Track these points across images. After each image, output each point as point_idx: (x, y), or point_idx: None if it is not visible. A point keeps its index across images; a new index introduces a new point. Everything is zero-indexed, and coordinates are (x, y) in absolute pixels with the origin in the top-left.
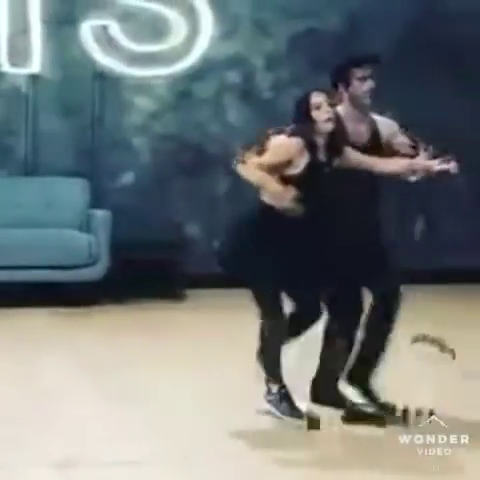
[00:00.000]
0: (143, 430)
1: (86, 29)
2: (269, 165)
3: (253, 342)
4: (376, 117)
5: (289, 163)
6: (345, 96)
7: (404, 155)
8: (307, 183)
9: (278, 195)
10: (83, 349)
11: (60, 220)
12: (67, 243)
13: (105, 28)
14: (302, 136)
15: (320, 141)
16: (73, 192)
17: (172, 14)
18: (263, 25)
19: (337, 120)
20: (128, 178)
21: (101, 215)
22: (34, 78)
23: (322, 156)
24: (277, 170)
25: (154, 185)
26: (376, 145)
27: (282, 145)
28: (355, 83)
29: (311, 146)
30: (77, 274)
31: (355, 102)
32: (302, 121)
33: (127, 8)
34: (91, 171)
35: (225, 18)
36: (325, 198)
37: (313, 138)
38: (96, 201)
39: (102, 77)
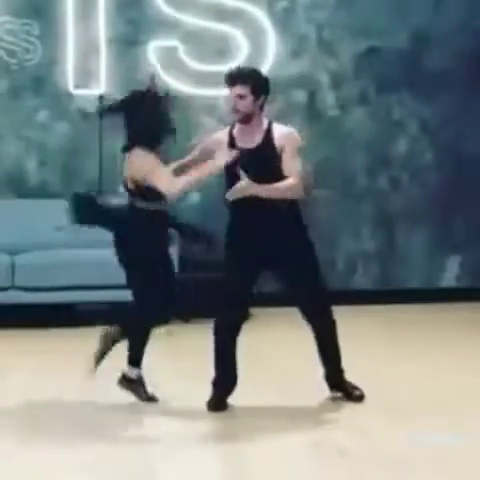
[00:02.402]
0: None
1: (152, 50)
2: None
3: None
4: (277, 128)
5: None
6: None
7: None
8: None
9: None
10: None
11: None
12: None
13: (171, 49)
14: None
15: None
16: None
17: (237, 34)
18: (328, 44)
19: None
20: (194, 198)
21: None
22: (101, 99)
23: None
24: None
25: (220, 205)
26: (263, 153)
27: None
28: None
29: None
30: None
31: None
32: None
33: (192, 29)
34: None
35: (289, 37)
36: None
37: None
38: None
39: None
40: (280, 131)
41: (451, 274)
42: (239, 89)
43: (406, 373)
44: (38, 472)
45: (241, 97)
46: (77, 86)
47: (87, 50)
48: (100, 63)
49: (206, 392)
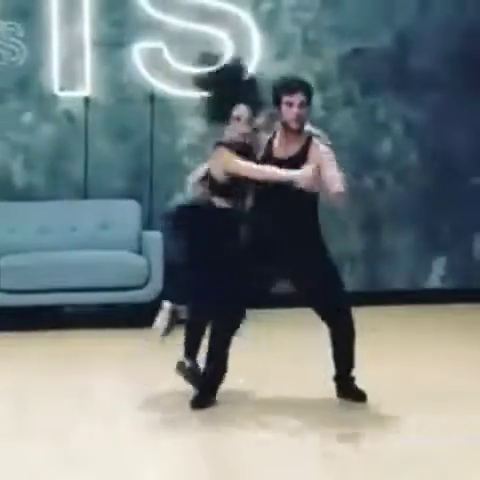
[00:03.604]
0: None
1: (137, 52)
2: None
3: None
4: (316, 141)
5: None
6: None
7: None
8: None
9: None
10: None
11: (114, 242)
12: (122, 265)
13: (156, 50)
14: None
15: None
16: (127, 214)
17: (222, 35)
18: (313, 45)
19: (251, 139)
20: (180, 199)
21: (154, 236)
22: (87, 101)
23: None
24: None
25: None
26: (296, 164)
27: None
28: (283, 107)
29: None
30: (130, 296)
31: (285, 125)
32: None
33: (177, 30)
34: (144, 193)
35: (274, 38)
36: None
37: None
38: (148, 222)
39: (154, 99)
40: (317, 149)
41: (436, 275)
42: (302, 97)
43: (391, 375)
44: (31, 469)
45: (302, 105)
46: (62, 88)
47: (72, 52)
48: (85, 65)
49: None
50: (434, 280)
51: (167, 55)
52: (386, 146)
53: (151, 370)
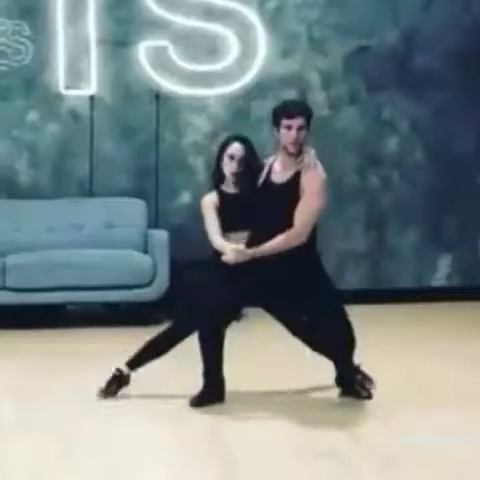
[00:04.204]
0: None
1: (143, 50)
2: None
3: None
4: (309, 167)
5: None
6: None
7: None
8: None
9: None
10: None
11: (120, 240)
12: (128, 263)
13: (161, 49)
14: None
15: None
16: (132, 212)
17: (227, 33)
18: (318, 43)
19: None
20: (186, 198)
21: (160, 235)
22: (92, 100)
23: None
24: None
25: None
26: (287, 190)
27: (204, 205)
28: (282, 131)
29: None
30: (136, 294)
31: (285, 148)
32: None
33: (183, 29)
34: (150, 191)
35: (280, 36)
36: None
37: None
38: (155, 221)
39: (159, 98)
40: (308, 173)
41: (442, 273)
42: (301, 121)
43: (396, 372)
44: (33, 467)
45: (300, 128)
46: (68, 87)
47: (78, 51)
48: (91, 64)
49: None
50: (439, 278)
51: (172, 53)
52: (391, 144)
53: (155, 368)
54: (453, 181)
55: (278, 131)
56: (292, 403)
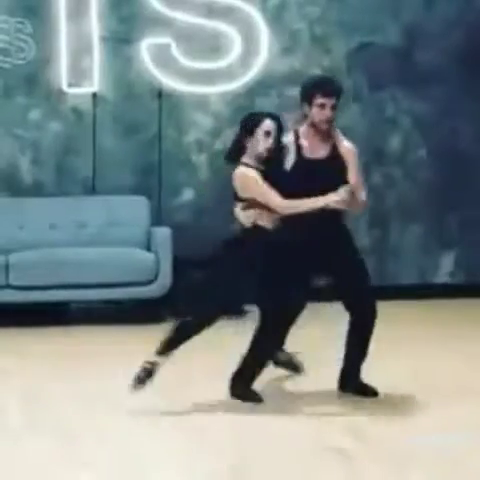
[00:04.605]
0: None
1: (145, 48)
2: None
3: None
4: (343, 141)
5: None
6: (308, 116)
7: None
8: None
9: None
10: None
11: (123, 238)
12: (131, 261)
13: (164, 46)
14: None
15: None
16: (135, 210)
17: (230, 31)
18: (320, 40)
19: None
20: (188, 195)
21: (162, 232)
22: (95, 97)
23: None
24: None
25: (214, 202)
26: (333, 164)
27: (251, 177)
28: (314, 109)
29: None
30: (139, 292)
31: (314, 125)
32: (246, 139)
33: (185, 26)
34: (153, 189)
35: (282, 34)
36: None
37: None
38: (157, 218)
39: (162, 95)
40: (346, 144)
41: (445, 270)
42: (335, 100)
43: (400, 371)
44: (38, 466)
45: (334, 108)
46: (70, 84)
47: (80, 48)
48: (93, 61)
49: None
50: (443, 275)
51: (175, 51)
52: (394, 141)
53: (156, 368)
54: (456, 178)
55: (309, 106)
56: (296, 400)
